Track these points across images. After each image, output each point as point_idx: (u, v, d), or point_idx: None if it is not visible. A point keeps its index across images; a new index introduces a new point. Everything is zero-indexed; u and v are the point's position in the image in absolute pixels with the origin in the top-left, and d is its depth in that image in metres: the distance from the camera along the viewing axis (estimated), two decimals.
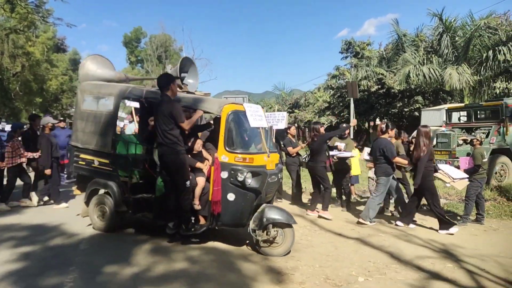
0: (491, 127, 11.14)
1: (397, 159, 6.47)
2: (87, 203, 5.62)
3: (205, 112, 4.93)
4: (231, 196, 4.61)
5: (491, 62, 15.69)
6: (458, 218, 6.99)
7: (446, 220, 6.05)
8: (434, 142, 11.77)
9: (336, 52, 26.78)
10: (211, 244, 5.10)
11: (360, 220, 6.45)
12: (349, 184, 7.82)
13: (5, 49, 31.16)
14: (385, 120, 17.19)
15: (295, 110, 28.35)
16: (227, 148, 4.63)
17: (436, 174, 6.77)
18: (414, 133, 12.72)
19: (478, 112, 12.53)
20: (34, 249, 4.73)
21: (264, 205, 4.89)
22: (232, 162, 4.59)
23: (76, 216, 6.15)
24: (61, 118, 10.57)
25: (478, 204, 6.81)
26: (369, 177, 8.61)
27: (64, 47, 43.39)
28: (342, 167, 7.56)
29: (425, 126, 6.59)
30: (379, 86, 19.97)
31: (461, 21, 17.27)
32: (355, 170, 8.28)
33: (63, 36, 42.55)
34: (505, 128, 10.81)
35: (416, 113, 19.46)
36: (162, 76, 4.89)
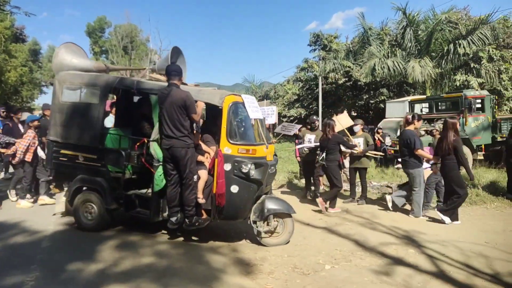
0: None
1: (420, 152, 6.42)
2: (70, 201, 5.27)
3: (206, 103, 4.73)
4: (234, 188, 4.56)
5: (451, 55, 16.31)
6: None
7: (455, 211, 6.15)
8: (398, 133, 12.19)
9: (305, 44, 27.01)
10: (180, 238, 5.06)
11: (413, 217, 6.47)
12: (318, 175, 7.95)
13: None
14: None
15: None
16: (230, 140, 4.56)
17: (399, 166, 7.02)
18: (380, 124, 13.17)
19: (439, 103, 13.06)
20: None
21: (263, 196, 4.92)
22: (236, 154, 4.54)
23: (36, 214, 5.93)
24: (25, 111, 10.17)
25: (439, 192, 7.11)
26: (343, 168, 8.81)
27: (23, 37, 41.23)
28: (311, 158, 7.68)
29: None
30: (347, 79, 20.37)
31: (424, 15, 17.81)
32: None
33: (22, 25, 40.41)
34: (464, 119, 11.32)
35: (382, 105, 20.01)
36: (173, 64, 4.65)
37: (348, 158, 7.92)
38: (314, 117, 8.59)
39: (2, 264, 4.03)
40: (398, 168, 7.28)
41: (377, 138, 10.87)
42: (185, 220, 4.59)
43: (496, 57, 16.64)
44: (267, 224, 4.84)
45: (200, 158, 4.89)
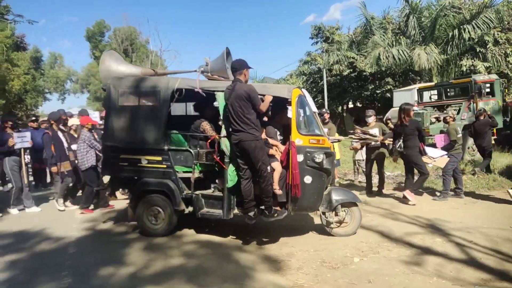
0: (461, 103, 11.58)
1: None
2: (133, 206, 5.17)
3: (274, 97, 4.68)
4: (308, 179, 4.62)
5: (457, 41, 16.21)
6: (437, 193, 7.25)
7: None
8: None
9: (305, 38, 26.87)
10: (204, 237, 5.07)
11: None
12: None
13: None
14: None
15: None
16: (300, 131, 4.65)
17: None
18: (388, 114, 13.10)
19: (448, 90, 12.97)
20: (21, 256, 4.54)
21: (329, 187, 5.00)
22: (307, 144, 4.63)
23: (55, 220, 5.94)
24: (33, 118, 9.96)
25: (456, 179, 7.08)
26: (356, 160, 8.75)
27: (24, 45, 41.33)
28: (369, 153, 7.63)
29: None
30: (351, 70, 20.27)
31: (427, 1, 17.70)
32: (336, 154, 8.38)
33: (22, 33, 40.47)
34: (475, 104, 11.24)
35: (388, 95, 19.91)
36: (237, 60, 4.67)
37: (364, 149, 7.86)
38: (324, 110, 8.40)
39: (32, 272, 4.03)
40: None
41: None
42: (264, 212, 4.61)
43: (502, 40, 16.50)
44: (336, 215, 4.94)
45: (270, 151, 4.90)
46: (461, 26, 16.06)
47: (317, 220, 5.79)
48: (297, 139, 4.63)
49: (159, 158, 5.02)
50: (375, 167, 7.72)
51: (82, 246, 4.91)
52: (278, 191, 4.65)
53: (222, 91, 4.75)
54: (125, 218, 6.15)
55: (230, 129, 4.56)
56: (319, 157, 4.59)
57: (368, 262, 4.12)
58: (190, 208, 5.07)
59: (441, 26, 17.03)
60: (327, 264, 4.10)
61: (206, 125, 5.30)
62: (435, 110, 12.22)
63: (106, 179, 6.38)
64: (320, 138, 4.74)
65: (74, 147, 6.97)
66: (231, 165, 4.72)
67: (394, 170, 10.16)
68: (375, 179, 7.93)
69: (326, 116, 8.42)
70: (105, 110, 5.38)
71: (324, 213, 4.93)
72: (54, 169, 6.78)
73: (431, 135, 10.37)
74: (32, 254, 4.65)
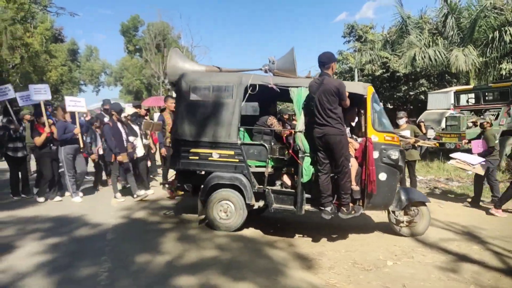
0: (500, 108, 11.15)
1: None
2: (204, 200, 5.14)
3: (350, 93, 4.68)
4: (383, 176, 4.67)
5: (497, 43, 15.53)
6: (468, 200, 7.04)
7: None
8: (443, 125, 11.80)
9: (336, 36, 26.54)
10: (235, 231, 5.14)
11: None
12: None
13: (3, 40, 30.86)
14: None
15: None
16: (376, 128, 4.70)
17: (452, 163, 6.79)
18: (422, 117, 12.78)
19: (487, 94, 12.52)
20: (61, 240, 4.74)
21: (398, 186, 5.02)
22: (383, 141, 4.69)
23: (92, 208, 6.19)
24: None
25: (493, 187, 6.85)
26: None
27: (62, 38, 42.89)
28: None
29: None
30: (384, 70, 19.84)
31: (467, 2, 17.07)
32: None
33: (61, 26, 42.00)
34: None
35: (422, 97, 19.39)
36: (325, 54, 4.71)
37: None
38: (402, 113, 8.01)
39: (73, 256, 4.21)
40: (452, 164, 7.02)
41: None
42: (341, 209, 4.64)
43: None
44: (405, 214, 4.94)
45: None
46: (502, 28, 15.36)
47: (348, 220, 5.76)
48: (373, 135, 4.66)
49: (231, 152, 5.04)
50: (406, 171, 7.55)
51: (119, 233, 5.08)
52: (356, 187, 4.71)
53: (296, 86, 4.86)
54: (159, 208, 6.35)
55: (313, 123, 4.57)
56: (395, 154, 4.64)
57: (402, 266, 4.07)
58: (259, 203, 5.12)
59: (481, 28, 16.36)
60: (359, 265, 4.08)
61: (273, 119, 5.44)
62: (472, 114, 11.83)
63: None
64: (394, 135, 4.80)
65: (131, 138, 7.21)
66: (306, 159, 4.73)
67: (427, 174, 9.94)
68: (407, 183, 7.77)
69: (405, 119, 8.12)
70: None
71: (393, 212, 4.92)
72: (120, 157, 6.83)
73: (468, 141, 10.04)
74: (72, 238, 4.84)
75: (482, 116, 10.90)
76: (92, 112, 13.34)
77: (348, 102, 4.54)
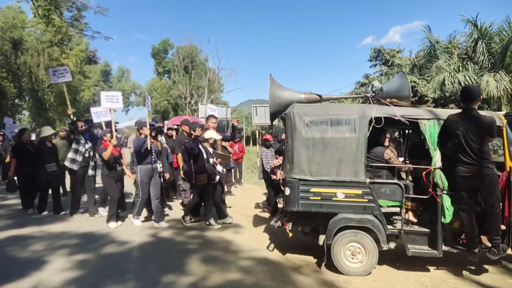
0: None
1: None
2: (329, 244, 4.66)
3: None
4: None
5: None
6: None
7: None
8: None
9: (361, 60, 26.57)
10: (260, 254, 5.08)
11: None
12: None
13: (41, 61, 32.61)
14: None
15: None
16: None
17: None
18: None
19: None
20: (88, 257, 4.83)
21: None
22: None
23: (120, 224, 6.28)
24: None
25: None
26: None
27: (96, 59, 44.88)
28: None
29: None
30: (412, 94, 19.59)
31: (498, 27, 16.78)
32: None
33: (95, 48, 43.98)
34: None
35: None
36: (473, 88, 4.57)
37: None
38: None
39: (99, 273, 4.29)
40: None
41: None
42: (491, 250, 4.36)
43: None
44: None
45: None
46: None
47: None
48: None
49: (359, 192, 4.64)
50: None
51: (144, 251, 5.12)
52: (503, 226, 4.41)
53: (428, 119, 4.57)
54: (184, 228, 6.36)
55: (459, 161, 4.31)
56: None
57: None
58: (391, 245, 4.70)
59: None
60: None
61: (390, 153, 5.06)
62: None
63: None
64: None
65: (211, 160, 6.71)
66: (446, 198, 4.45)
67: None
68: None
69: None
70: (288, 140, 4.91)
71: None
72: (200, 179, 6.37)
73: None
74: (99, 255, 4.92)
75: None
76: (121, 130, 13.66)
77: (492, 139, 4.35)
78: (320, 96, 5.35)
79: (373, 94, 5.25)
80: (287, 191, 4.77)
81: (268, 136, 8.31)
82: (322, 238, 4.72)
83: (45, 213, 7.37)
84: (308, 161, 4.74)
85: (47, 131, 7.76)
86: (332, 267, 4.68)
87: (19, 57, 32.27)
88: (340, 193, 4.65)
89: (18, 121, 40.46)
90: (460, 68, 16.89)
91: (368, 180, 4.60)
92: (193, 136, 6.64)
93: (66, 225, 6.54)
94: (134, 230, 6.18)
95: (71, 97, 36.77)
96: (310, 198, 4.71)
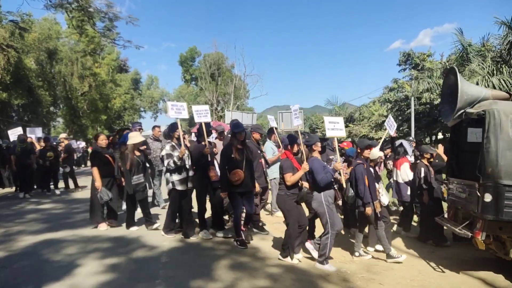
0: None
1: None
2: None
3: None
4: None
5: None
6: None
7: None
8: None
9: (389, 65, 26.17)
10: (287, 262, 5.04)
11: None
12: None
13: (74, 70, 34.05)
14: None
15: (349, 125, 27.83)
16: None
17: None
18: None
19: None
20: (119, 261, 4.92)
21: None
22: None
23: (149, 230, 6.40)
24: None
25: None
26: None
27: (126, 68, 46.33)
28: None
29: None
30: None
31: None
32: None
33: (126, 57, 45.45)
34: None
35: None
36: None
37: None
38: (410, 138, 7.58)
39: (130, 277, 4.35)
40: None
41: None
42: None
43: None
44: None
45: None
46: None
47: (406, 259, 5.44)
48: None
49: None
50: None
51: (173, 257, 5.17)
52: None
53: None
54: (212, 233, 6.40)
55: None
56: None
57: None
58: None
59: None
60: None
61: None
62: None
63: None
64: None
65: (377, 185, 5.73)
66: None
67: None
68: None
69: (413, 144, 8.01)
70: (490, 141, 4.40)
71: None
72: (369, 210, 5.30)
73: None
74: (129, 259, 5.00)
75: None
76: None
77: None
78: (509, 93, 4.99)
79: None
80: (488, 197, 4.34)
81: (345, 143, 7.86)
82: None
83: (135, 228, 6.67)
84: None
85: (137, 137, 6.54)
86: (356, 277, 4.57)
87: (54, 66, 33.83)
88: None
89: (53, 128, 42.24)
90: (495, 72, 16.30)
91: None
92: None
93: (98, 229, 6.70)
94: (165, 235, 6.26)
95: (103, 105, 38.17)
96: None
